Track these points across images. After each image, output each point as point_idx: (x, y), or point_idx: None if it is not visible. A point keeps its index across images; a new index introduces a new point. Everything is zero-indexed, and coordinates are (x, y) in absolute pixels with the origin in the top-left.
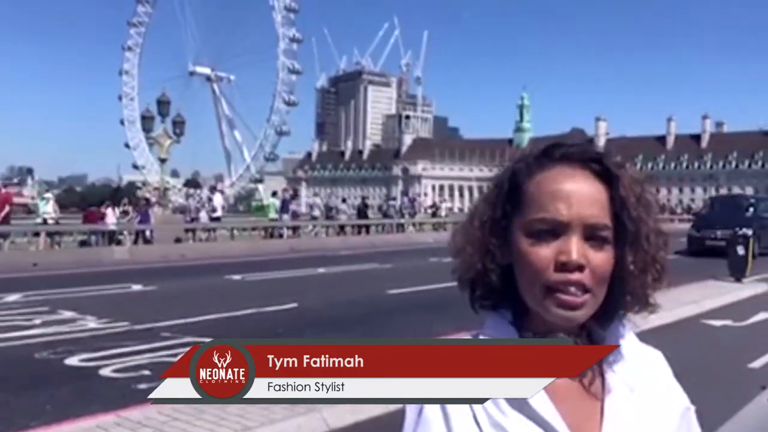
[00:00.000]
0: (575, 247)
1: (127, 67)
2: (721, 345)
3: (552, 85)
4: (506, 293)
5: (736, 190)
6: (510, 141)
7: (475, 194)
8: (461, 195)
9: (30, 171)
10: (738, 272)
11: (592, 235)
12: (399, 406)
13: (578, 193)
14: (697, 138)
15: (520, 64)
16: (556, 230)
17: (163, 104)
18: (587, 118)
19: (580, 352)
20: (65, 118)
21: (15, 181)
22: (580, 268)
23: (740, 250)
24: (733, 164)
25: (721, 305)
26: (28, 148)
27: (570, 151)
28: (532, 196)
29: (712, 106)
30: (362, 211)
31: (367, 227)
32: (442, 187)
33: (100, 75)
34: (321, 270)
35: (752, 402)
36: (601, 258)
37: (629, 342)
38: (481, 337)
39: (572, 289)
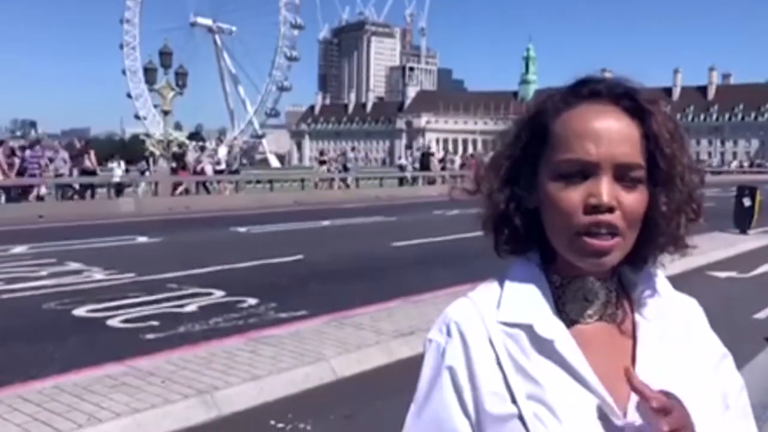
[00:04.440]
0: (606, 189)
1: (128, 16)
2: (726, 296)
3: (558, 37)
4: (532, 237)
5: (742, 143)
6: (515, 93)
7: (480, 147)
8: (465, 148)
9: (33, 124)
10: (743, 224)
11: (623, 175)
12: (406, 355)
13: (608, 131)
14: (703, 90)
15: (526, 15)
16: (584, 171)
17: (165, 55)
18: (593, 70)
19: (610, 297)
20: (68, 70)
21: (18, 134)
22: (610, 209)
23: (746, 202)
24: (739, 116)
25: (726, 257)
26: (31, 101)
27: (598, 87)
28: (559, 136)
29: (720, 57)
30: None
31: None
32: (446, 140)
33: (102, 25)
34: (325, 223)
35: (762, 353)
36: (634, 199)
37: (662, 288)
38: (507, 281)
39: (602, 231)
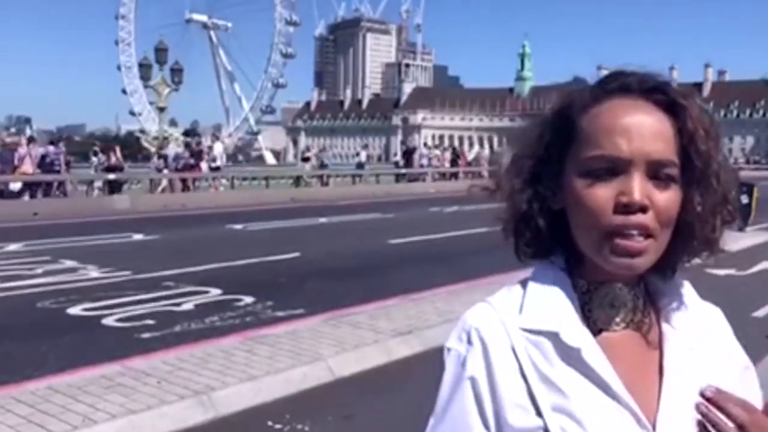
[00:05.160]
0: (638, 186)
1: (123, 11)
2: (724, 294)
3: (553, 33)
4: (555, 240)
5: (737, 140)
6: (511, 90)
7: (476, 144)
8: (461, 145)
9: (28, 120)
10: (740, 221)
11: (656, 172)
12: (405, 354)
13: (640, 127)
14: (698, 86)
15: (522, 12)
16: (615, 169)
17: (160, 51)
18: (589, 66)
19: (637, 304)
20: (63, 66)
21: (13, 130)
22: (643, 209)
23: (743, 199)
24: (735, 113)
25: (725, 254)
26: (26, 98)
27: (628, 81)
28: (587, 132)
29: (715, 54)
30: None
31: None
32: (441, 137)
33: (97, 21)
34: (322, 220)
35: None
36: (667, 198)
37: (688, 297)
38: (529, 285)
39: (633, 233)
